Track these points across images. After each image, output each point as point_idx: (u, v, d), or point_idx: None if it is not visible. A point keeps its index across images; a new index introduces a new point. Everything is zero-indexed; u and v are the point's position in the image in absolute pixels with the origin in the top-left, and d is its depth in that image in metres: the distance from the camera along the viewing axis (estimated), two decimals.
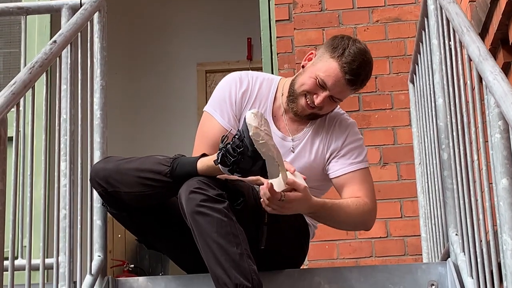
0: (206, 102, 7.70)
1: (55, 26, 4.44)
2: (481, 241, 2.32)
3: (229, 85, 2.83)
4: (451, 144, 2.71)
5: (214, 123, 2.80)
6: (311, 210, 2.61)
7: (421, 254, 3.72)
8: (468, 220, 2.41)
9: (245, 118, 2.42)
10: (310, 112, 2.76)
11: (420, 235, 3.69)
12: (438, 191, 3.08)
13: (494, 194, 1.97)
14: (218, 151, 2.47)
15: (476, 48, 2.06)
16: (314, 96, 2.71)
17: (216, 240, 2.39)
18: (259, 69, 7.08)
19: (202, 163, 2.54)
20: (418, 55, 3.47)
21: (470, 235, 2.40)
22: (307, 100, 2.72)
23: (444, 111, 2.82)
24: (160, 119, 7.04)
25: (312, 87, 2.71)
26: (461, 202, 2.50)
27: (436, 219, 3.22)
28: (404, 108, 4.21)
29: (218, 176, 2.53)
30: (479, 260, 2.27)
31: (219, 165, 2.47)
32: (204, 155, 2.59)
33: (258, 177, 2.55)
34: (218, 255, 2.39)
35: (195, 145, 2.82)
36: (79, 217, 2.64)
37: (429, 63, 3.19)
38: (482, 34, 3.18)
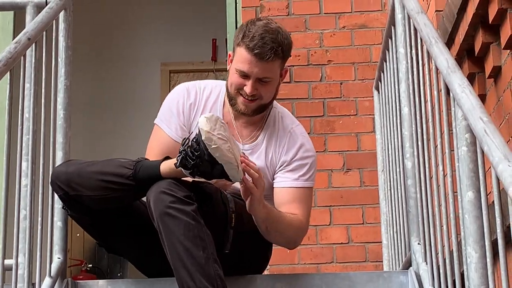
0: None
1: (18, 22, 4.38)
2: (443, 249, 2.33)
3: (177, 97, 2.83)
4: (415, 153, 2.72)
5: (161, 134, 2.80)
6: (266, 208, 2.58)
7: (382, 261, 3.73)
8: (431, 230, 2.42)
9: (197, 122, 2.42)
10: (255, 107, 2.73)
11: (381, 242, 3.70)
12: (401, 199, 3.09)
13: (458, 205, 1.97)
14: (178, 154, 2.46)
15: (445, 60, 2.07)
16: (245, 87, 2.69)
17: (183, 243, 2.38)
18: (224, 70, 7.08)
19: (165, 166, 2.53)
20: (384, 63, 3.47)
21: (432, 245, 2.41)
22: (243, 95, 2.71)
23: (410, 120, 2.82)
24: (122, 118, 6.99)
25: (237, 81, 2.69)
26: (425, 211, 2.51)
27: (398, 227, 3.23)
28: (368, 114, 4.22)
29: (184, 179, 2.52)
30: (441, 270, 2.27)
31: (180, 167, 2.45)
32: (167, 158, 2.58)
33: (225, 181, 2.55)
34: (184, 258, 2.38)
35: (145, 155, 2.80)
36: (39, 218, 2.60)
37: (395, 71, 3.20)
38: (448, 44, 3.20)
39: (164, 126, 2.81)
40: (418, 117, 2.59)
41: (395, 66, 3.23)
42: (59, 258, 2.74)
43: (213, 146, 2.38)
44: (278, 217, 2.63)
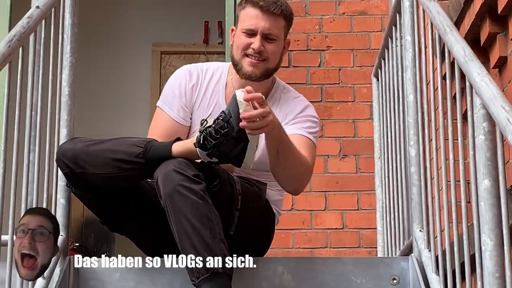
0: (160, 83, 7.65)
1: (15, 5, 4.33)
2: (450, 236, 2.35)
3: (179, 78, 2.85)
4: (420, 140, 2.73)
5: (163, 116, 2.81)
6: (282, 130, 2.54)
7: (376, 247, 3.75)
8: (437, 217, 2.44)
9: (234, 96, 2.41)
10: (261, 68, 2.73)
11: (375, 228, 3.72)
12: (401, 186, 3.11)
13: (472, 193, 1.99)
14: (199, 134, 2.45)
15: (461, 49, 2.08)
16: (252, 45, 2.72)
17: (191, 220, 2.39)
18: (215, 53, 7.07)
19: (177, 146, 2.53)
20: (386, 50, 3.48)
21: (438, 232, 2.43)
22: (249, 56, 2.73)
23: (415, 107, 2.83)
24: (113, 98, 6.96)
25: (245, 41, 2.73)
26: (430, 199, 2.53)
27: (395, 214, 3.25)
28: (365, 101, 4.23)
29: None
30: (448, 258, 2.29)
31: (197, 148, 2.45)
32: (178, 139, 2.58)
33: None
34: (192, 236, 2.38)
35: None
36: (44, 195, 2.60)
37: (399, 59, 3.22)
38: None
39: (166, 108, 2.81)
40: (426, 105, 2.61)
41: (398, 53, 3.24)
42: (62, 235, 2.73)
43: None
44: (290, 143, 2.58)
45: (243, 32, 2.73)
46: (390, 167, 3.39)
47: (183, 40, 7.05)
